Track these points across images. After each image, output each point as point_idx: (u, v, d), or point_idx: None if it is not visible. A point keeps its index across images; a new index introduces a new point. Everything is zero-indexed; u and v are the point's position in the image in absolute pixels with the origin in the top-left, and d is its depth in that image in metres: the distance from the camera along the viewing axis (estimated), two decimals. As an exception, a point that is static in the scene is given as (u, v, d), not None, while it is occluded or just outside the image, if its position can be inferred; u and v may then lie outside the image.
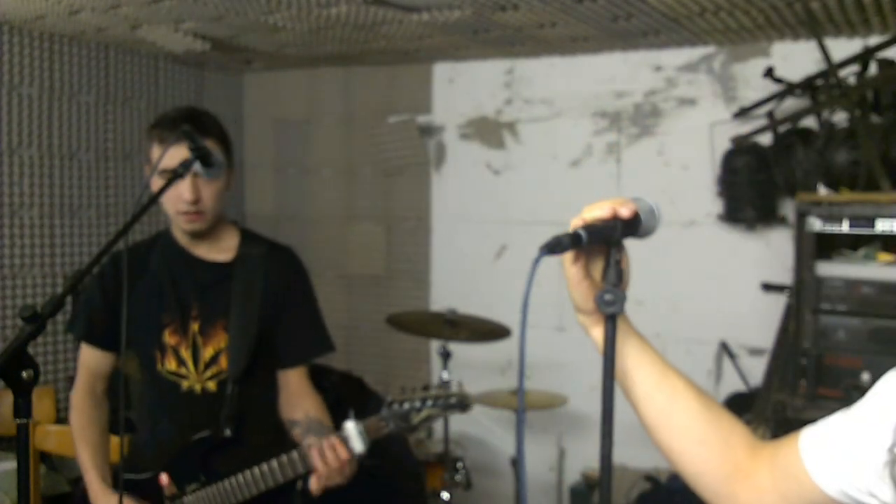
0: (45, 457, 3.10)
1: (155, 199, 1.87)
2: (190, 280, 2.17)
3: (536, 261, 0.97)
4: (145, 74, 4.32)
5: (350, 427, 1.90)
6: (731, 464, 1.14)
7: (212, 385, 2.14)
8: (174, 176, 1.81)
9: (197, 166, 1.86)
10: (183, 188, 2.02)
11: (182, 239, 2.20)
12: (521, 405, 1.02)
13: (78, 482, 3.41)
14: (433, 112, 4.48)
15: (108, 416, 2.25)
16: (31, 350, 1.34)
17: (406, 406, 1.90)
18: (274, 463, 1.95)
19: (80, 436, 2.17)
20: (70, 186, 3.95)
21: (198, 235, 2.16)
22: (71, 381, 3.83)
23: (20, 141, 3.73)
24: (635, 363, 1.17)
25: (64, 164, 3.92)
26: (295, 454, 1.94)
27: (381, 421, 1.90)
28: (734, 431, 1.16)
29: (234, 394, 2.11)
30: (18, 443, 1.34)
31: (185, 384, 2.14)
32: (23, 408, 1.33)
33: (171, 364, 2.15)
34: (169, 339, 2.15)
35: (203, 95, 4.71)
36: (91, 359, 2.22)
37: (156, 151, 2.06)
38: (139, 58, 4.27)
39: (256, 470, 1.96)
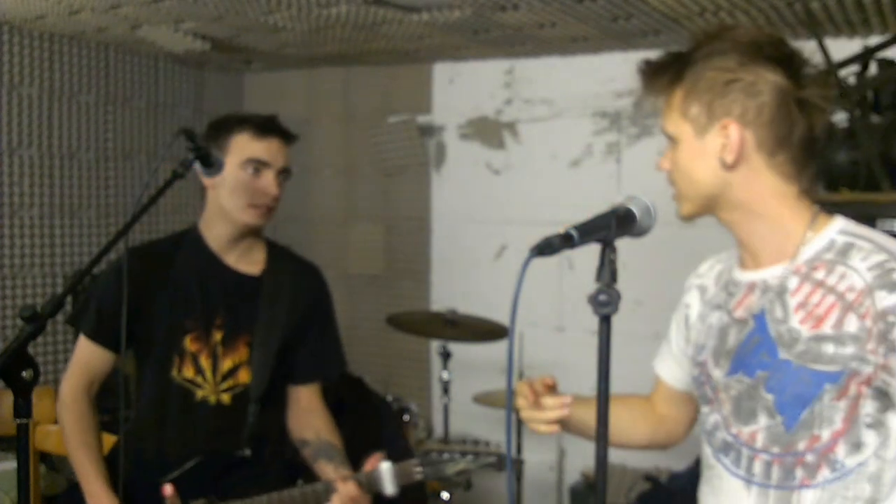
0: (45, 457, 3.09)
1: (155, 198, 1.83)
2: (218, 288, 2.11)
3: (526, 263, 0.97)
4: (145, 74, 4.32)
5: (385, 469, 1.93)
6: (651, 423, 1.70)
7: (226, 398, 2.08)
8: (174, 176, 1.80)
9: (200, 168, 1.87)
10: (267, 182, 2.07)
11: (213, 243, 2.13)
12: (509, 404, 1.02)
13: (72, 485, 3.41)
14: (433, 112, 4.47)
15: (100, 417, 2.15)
16: (31, 350, 1.35)
17: (445, 456, 1.97)
18: (296, 492, 1.95)
19: (79, 439, 2.06)
20: (70, 186, 3.95)
21: (249, 234, 2.14)
22: (70, 380, 3.85)
23: (20, 141, 3.72)
24: (592, 418, 1.27)
25: (64, 164, 3.92)
26: (320, 486, 1.95)
27: (416, 467, 1.94)
28: (642, 406, 1.71)
29: (256, 413, 2.07)
30: (18, 443, 1.34)
31: (199, 393, 2.08)
32: (23, 408, 1.33)
33: (188, 371, 2.08)
34: (190, 345, 2.08)
35: (203, 95, 4.70)
36: (93, 357, 2.11)
37: (243, 139, 2.10)
38: (139, 58, 4.27)
39: (276, 496, 1.94)
